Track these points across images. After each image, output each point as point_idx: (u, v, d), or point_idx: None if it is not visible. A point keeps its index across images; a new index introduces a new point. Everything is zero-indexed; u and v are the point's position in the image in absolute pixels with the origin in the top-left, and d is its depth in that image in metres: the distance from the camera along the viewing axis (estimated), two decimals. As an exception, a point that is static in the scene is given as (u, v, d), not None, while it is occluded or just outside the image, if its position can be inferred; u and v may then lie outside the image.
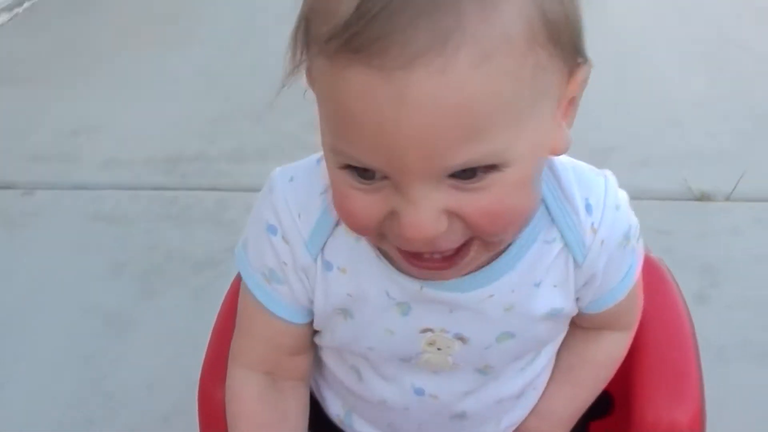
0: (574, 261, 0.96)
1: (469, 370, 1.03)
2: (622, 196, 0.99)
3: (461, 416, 1.08)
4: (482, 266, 0.93)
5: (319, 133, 0.82)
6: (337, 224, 0.95)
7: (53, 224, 2.76)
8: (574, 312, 1.03)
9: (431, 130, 0.71)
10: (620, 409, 1.21)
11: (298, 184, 0.97)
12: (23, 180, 3.01)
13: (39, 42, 4.26)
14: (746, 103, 3.31)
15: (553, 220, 0.94)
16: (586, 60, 0.82)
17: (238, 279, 1.09)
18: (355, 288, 0.97)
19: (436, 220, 0.76)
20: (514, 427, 1.15)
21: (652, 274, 1.21)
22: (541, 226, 0.94)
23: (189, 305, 2.33)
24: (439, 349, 0.99)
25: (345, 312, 0.99)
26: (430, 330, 0.98)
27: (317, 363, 1.14)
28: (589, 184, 0.96)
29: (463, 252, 0.83)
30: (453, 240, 0.80)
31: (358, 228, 0.85)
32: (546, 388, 1.13)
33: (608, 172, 0.99)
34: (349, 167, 0.78)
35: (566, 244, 0.95)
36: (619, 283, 1.02)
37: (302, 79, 0.82)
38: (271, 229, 0.97)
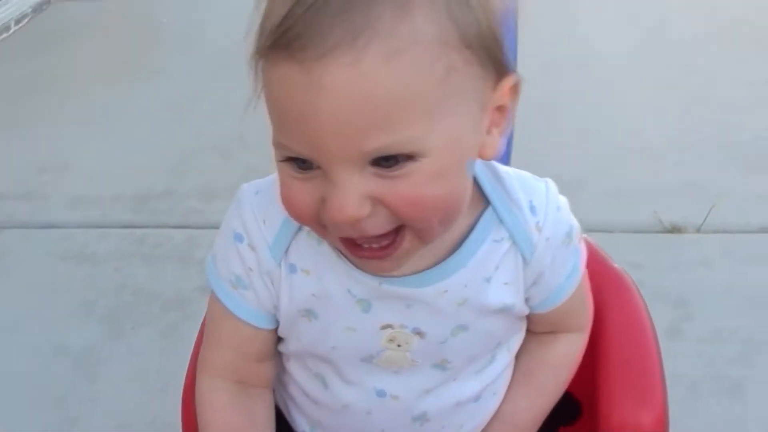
0: (523, 258, 1.04)
1: (427, 366, 1.08)
2: (563, 199, 1.07)
3: (422, 418, 1.12)
4: (436, 263, 1.01)
5: None
6: (299, 229, 1.02)
7: (21, 263, 2.75)
8: (525, 311, 1.10)
9: (345, 117, 0.79)
10: (588, 414, 1.26)
11: (262, 195, 1.04)
12: (-10, 219, 2.99)
13: (5, 78, 4.24)
14: (716, 133, 3.33)
15: (501, 221, 1.02)
16: (510, 71, 0.89)
17: None
18: (318, 288, 1.03)
19: (358, 204, 0.84)
20: None
21: (616, 283, 1.29)
22: (490, 227, 1.02)
23: (158, 345, 2.31)
24: (399, 345, 1.05)
25: (309, 313, 1.05)
26: (390, 326, 1.04)
27: (283, 380, 1.18)
28: (531, 188, 1.05)
29: (397, 242, 0.90)
30: (379, 226, 0.87)
31: (298, 215, 0.92)
32: (507, 392, 1.18)
33: (549, 180, 1.07)
34: (289, 160, 0.86)
35: (514, 242, 1.03)
36: (565, 281, 1.10)
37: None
38: (238, 237, 1.04)
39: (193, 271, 2.60)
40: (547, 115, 3.39)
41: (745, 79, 3.80)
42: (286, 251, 1.03)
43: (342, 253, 1.00)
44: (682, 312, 2.33)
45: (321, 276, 1.02)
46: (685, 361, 2.11)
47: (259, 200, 1.04)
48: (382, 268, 0.96)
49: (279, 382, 1.19)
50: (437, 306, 1.02)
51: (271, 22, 0.81)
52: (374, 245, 0.90)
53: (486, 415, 1.17)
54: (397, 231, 0.89)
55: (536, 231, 1.03)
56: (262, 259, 1.03)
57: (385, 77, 0.78)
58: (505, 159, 1.39)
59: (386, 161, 0.82)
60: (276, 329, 1.10)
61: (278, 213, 1.00)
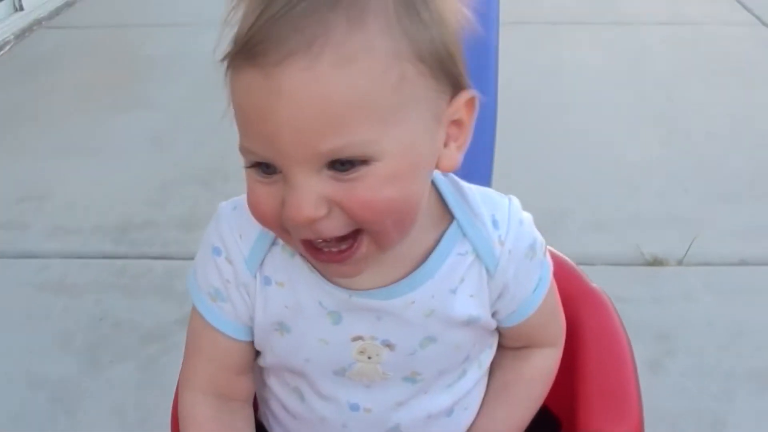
0: (487, 271, 1.08)
1: (398, 379, 1.12)
2: (526, 215, 1.11)
3: (396, 430, 1.16)
4: (404, 276, 1.05)
5: None
6: (273, 243, 1.07)
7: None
8: (492, 324, 1.14)
9: (301, 119, 0.85)
10: (566, 430, 1.28)
11: (239, 210, 1.07)
12: (-31, 248, 2.96)
13: (-14, 106, 4.22)
14: (698, 165, 3.35)
15: (465, 235, 1.06)
16: (464, 87, 0.95)
17: None
18: (291, 300, 1.07)
19: (314, 205, 0.88)
20: None
21: (593, 300, 1.33)
22: (455, 241, 1.06)
23: (136, 379, 2.29)
24: (369, 357, 1.09)
25: (282, 326, 1.09)
26: (361, 338, 1.08)
27: (265, 395, 1.21)
28: (494, 203, 1.09)
29: (355, 246, 0.94)
30: (336, 228, 0.91)
31: (262, 218, 0.96)
32: (483, 407, 1.21)
33: (512, 196, 1.12)
34: (255, 165, 0.91)
35: (478, 256, 1.07)
36: (532, 294, 1.13)
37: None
38: (216, 251, 1.08)
39: (173, 302, 2.58)
40: (529, 146, 3.40)
41: (726, 111, 3.82)
42: (261, 264, 1.07)
43: (314, 267, 1.04)
44: (664, 346, 2.33)
45: (294, 288, 1.07)
46: (667, 396, 2.10)
47: (236, 215, 1.08)
48: (343, 273, 0.99)
49: (261, 398, 1.22)
50: (406, 317, 1.06)
51: (238, 33, 0.88)
52: (333, 249, 0.94)
53: (459, 430, 1.20)
54: (355, 236, 0.93)
55: (499, 244, 1.07)
56: (239, 272, 1.07)
57: (337, 82, 0.84)
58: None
59: (342, 165, 0.87)
60: (253, 341, 1.13)
61: (254, 227, 1.04)
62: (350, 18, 0.85)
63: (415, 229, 0.98)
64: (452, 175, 1.08)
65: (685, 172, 3.31)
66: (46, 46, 4.96)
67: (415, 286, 1.05)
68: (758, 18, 5.06)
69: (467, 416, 1.19)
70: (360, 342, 1.08)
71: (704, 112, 3.84)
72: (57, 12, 5.52)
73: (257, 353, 1.15)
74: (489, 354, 1.19)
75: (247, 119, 0.89)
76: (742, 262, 2.75)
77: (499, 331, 1.17)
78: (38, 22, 5.29)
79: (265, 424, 1.24)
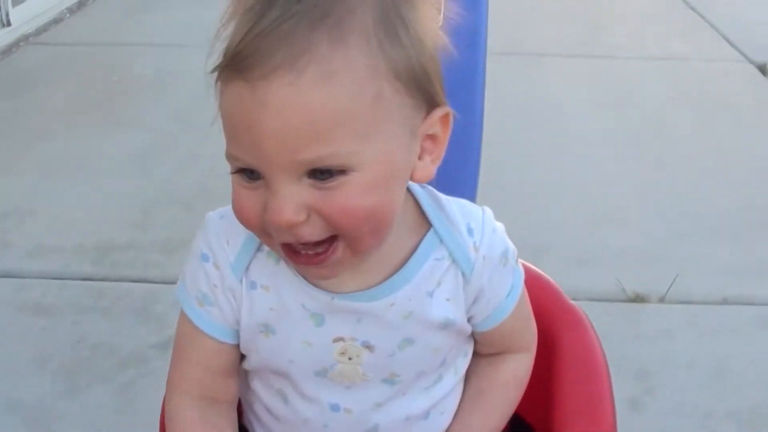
0: (463, 275, 1.13)
1: (377, 380, 1.16)
2: (499, 225, 1.17)
3: (375, 431, 1.19)
4: (384, 280, 1.10)
5: None
6: (259, 248, 1.11)
7: (-24, 313, 2.69)
8: (468, 329, 1.18)
9: (284, 130, 0.90)
10: None
11: (226, 218, 1.11)
12: (-54, 266, 2.94)
13: (-31, 123, 4.20)
14: (682, 202, 3.36)
15: (441, 241, 1.12)
16: (438, 103, 1.01)
17: None
18: (276, 303, 1.11)
19: (294, 210, 0.94)
20: None
21: (569, 314, 1.37)
22: (432, 247, 1.12)
23: (113, 403, 2.27)
24: (350, 358, 1.13)
25: (267, 328, 1.13)
26: (342, 339, 1.12)
27: (249, 399, 1.24)
28: (469, 212, 1.15)
29: (331, 251, 0.99)
30: (314, 233, 0.97)
31: (245, 221, 1.01)
32: (458, 412, 1.25)
33: (486, 207, 1.18)
34: (240, 171, 0.97)
35: (454, 261, 1.12)
36: (505, 299, 1.18)
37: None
38: (204, 257, 1.12)
39: (152, 326, 2.56)
40: (511, 178, 3.41)
41: (712, 148, 3.83)
42: (247, 269, 1.12)
43: (297, 271, 1.09)
44: (644, 384, 2.33)
45: (279, 291, 1.11)
46: (647, 434, 2.10)
47: (223, 223, 1.12)
48: (321, 275, 1.06)
49: (245, 402, 1.26)
50: (385, 319, 1.11)
51: (228, 46, 0.93)
52: (310, 252, 0.99)
53: None
54: (331, 241, 0.98)
55: (474, 250, 1.13)
56: (225, 277, 1.11)
57: (319, 96, 0.90)
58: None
59: (321, 174, 0.93)
60: (239, 344, 1.17)
61: (240, 234, 1.10)
62: (332, 37, 0.91)
63: (395, 235, 1.05)
64: (430, 186, 1.14)
65: (669, 208, 3.32)
66: (33, 63, 4.95)
67: (394, 289, 1.10)
68: (744, 54, 5.09)
69: (443, 420, 1.23)
70: (341, 343, 1.12)
71: (690, 148, 3.85)
72: (44, 28, 5.50)
73: (242, 356, 1.19)
74: (464, 361, 1.23)
75: (234, 128, 0.94)
76: (725, 301, 2.75)
77: (475, 338, 1.22)
78: (25, 38, 5.27)
79: (249, 428, 1.27)
